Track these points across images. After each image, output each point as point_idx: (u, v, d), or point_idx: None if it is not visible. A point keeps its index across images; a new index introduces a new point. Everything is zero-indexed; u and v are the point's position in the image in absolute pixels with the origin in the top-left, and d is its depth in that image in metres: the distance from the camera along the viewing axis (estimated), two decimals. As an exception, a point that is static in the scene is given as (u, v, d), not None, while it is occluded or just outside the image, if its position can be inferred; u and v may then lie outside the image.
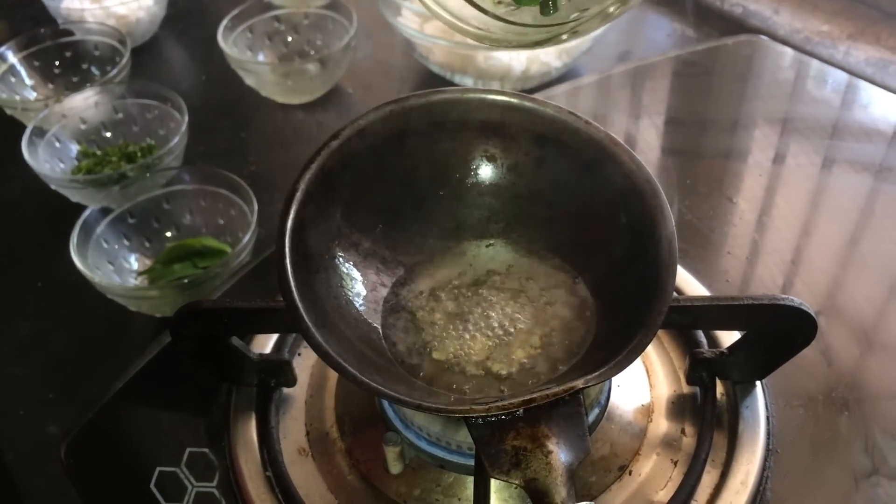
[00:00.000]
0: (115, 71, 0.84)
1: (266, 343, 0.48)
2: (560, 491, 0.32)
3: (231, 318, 0.42)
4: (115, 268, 0.69)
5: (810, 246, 0.57)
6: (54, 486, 0.59)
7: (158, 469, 0.43)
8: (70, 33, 0.91)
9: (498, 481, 0.38)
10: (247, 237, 0.66)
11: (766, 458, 0.42)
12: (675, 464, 0.42)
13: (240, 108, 0.89)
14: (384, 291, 0.43)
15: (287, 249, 0.38)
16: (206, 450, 0.44)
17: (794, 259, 0.55)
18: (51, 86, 0.89)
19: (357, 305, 0.41)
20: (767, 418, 0.43)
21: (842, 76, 0.74)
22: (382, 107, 0.43)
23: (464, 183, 0.45)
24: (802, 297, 0.40)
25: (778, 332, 0.40)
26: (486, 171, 0.45)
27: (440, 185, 0.45)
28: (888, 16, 0.92)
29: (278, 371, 0.45)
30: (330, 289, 0.40)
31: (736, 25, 0.94)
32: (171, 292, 0.65)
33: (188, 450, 0.44)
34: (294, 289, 0.36)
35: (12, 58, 0.87)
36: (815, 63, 0.75)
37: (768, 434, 0.43)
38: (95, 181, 0.72)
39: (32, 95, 0.87)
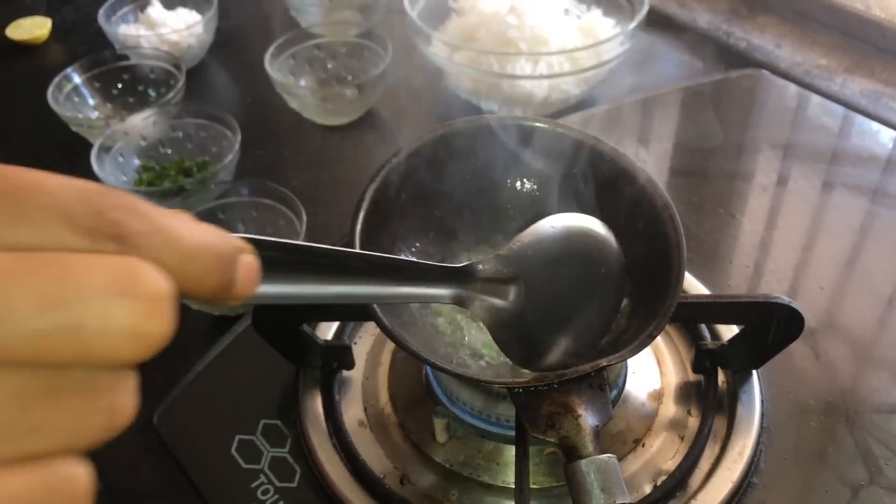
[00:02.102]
0: (171, 94, 0.92)
1: (328, 331, 0.55)
2: (588, 446, 0.39)
3: (303, 307, 0.50)
4: (177, 271, 0.76)
5: (809, 261, 0.64)
6: (128, 459, 0.66)
7: (238, 437, 0.51)
8: (127, 58, 0.99)
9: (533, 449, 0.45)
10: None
11: (759, 435, 0.49)
12: (682, 439, 0.49)
13: (282, 129, 0.96)
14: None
15: (357, 248, 0.45)
16: (278, 422, 0.51)
17: (794, 271, 0.62)
18: (110, 105, 0.97)
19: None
20: (762, 402, 0.50)
21: (838, 109, 0.81)
22: (435, 129, 0.50)
23: (503, 196, 0.52)
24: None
25: (771, 326, 0.48)
26: (522, 187, 0.52)
27: (483, 198, 0.52)
28: (881, 51, 0.99)
29: (340, 355, 0.53)
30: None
31: (740, 58, 1.02)
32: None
33: (262, 421, 0.51)
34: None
35: (77, 79, 0.95)
36: (813, 97, 0.83)
37: (762, 415, 0.50)
38: (158, 192, 0.80)
39: (94, 114, 0.95)
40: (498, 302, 0.39)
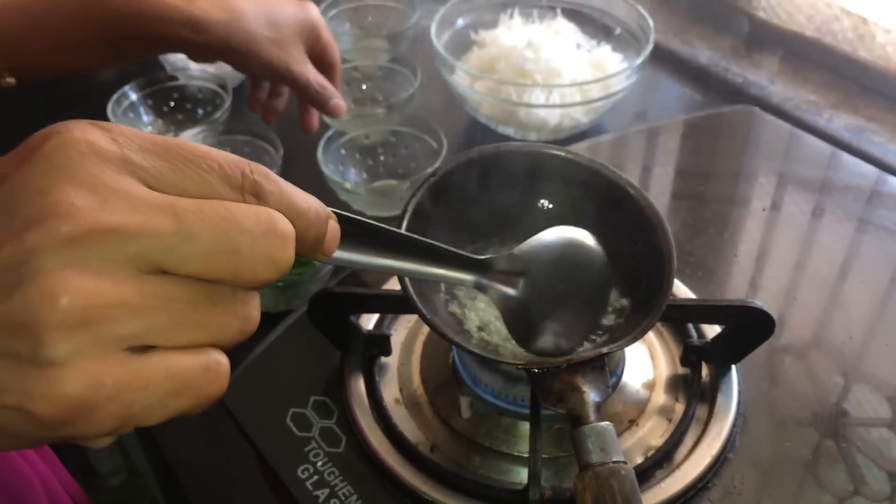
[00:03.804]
0: (219, 112, 1.01)
1: (370, 322, 0.64)
2: (590, 416, 0.47)
3: (351, 301, 0.59)
4: (225, 271, 0.85)
5: (796, 280, 0.72)
6: (180, 435, 0.75)
7: (291, 410, 0.59)
8: (177, 78, 1.09)
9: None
10: (333, 250, 0.83)
11: (736, 419, 0.57)
12: (670, 421, 0.58)
13: (317, 147, 1.05)
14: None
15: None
16: (326, 398, 0.60)
17: (780, 288, 0.70)
18: (161, 122, 1.07)
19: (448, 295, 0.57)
20: (739, 392, 0.59)
21: (825, 146, 0.88)
22: (466, 153, 0.59)
23: (523, 213, 0.61)
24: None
25: (746, 326, 0.56)
26: (539, 205, 0.61)
27: (506, 214, 0.61)
28: (866, 89, 1.08)
29: (379, 343, 0.62)
30: (429, 283, 0.57)
31: (737, 92, 1.11)
32: (270, 291, 0.81)
33: (312, 397, 0.60)
34: (408, 281, 0.52)
35: (133, 96, 1.04)
36: (801, 133, 0.91)
37: (739, 402, 0.58)
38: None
39: (148, 129, 1.04)
40: (508, 290, 0.48)
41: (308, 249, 0.32)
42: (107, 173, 0.28)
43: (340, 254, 0.35)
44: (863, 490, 0.55)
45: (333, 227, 0.34)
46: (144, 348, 0.28)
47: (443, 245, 0.43)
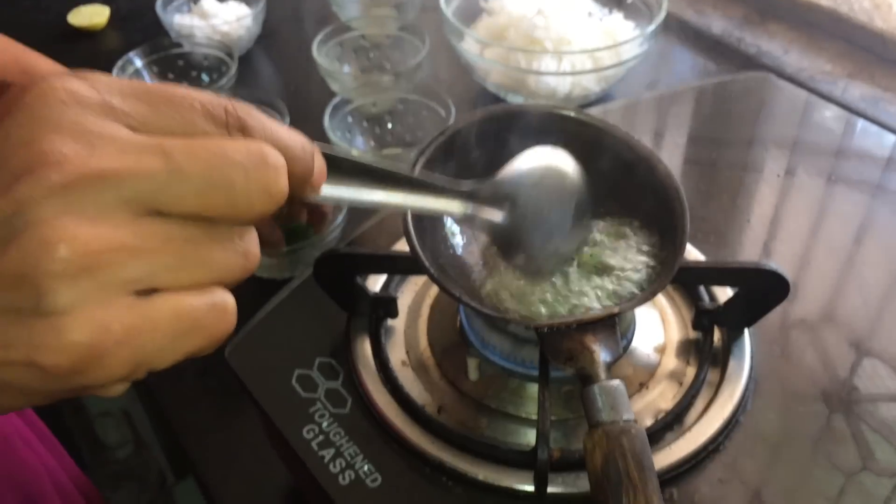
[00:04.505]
0: (224, 80, 1.00)
1: (376, 284, 0.63)
2: (601, 374, 0.46)
3: (358, 262, 0.58)
4: (231, 237, 0.84)
5: (808, 246, 0.70)
6: (186, 401, 0.75)
7: (297, 371, 0.59)
8: (182, 45, 1.08)
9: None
10: (339, 218, 0.82)
11: (748, 382, 0.56)
12: (681, 384, 0.57)
13: (323, 114, 1.04)
14: (474, 244, 0.58)
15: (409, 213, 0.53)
16: (331, 360, 0.59)
17: (793, 255, 0.69)
18: (166, 88, 1.06)
19: (458, 253, 0.56)
20: (751, 356, 0.58)
21: (841, 112, 0.87)
22: (475, 112, 0.58)
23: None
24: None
25: (760, 289, 0.55)
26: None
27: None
28: (882, 59, 1.06)
29: (386, 305, 0.61)
30: (436, 241, 0.56)
31: (751, 62, 1.09)
32: (275, 258, 0.81)
33: (318, 359, 0.59)
34: (415, 239, 0.51)
35: (138, 63, 1.03)
36: (817, 100, 0.89)
37: (751, 367, 0.57)
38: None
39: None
40: (495, 218, 0.47)
41: (297, 185, 0.31)
42: (90, 119, 0.27)
43: (329, 189, 0.34)
44: (870, 465, 0.54)
45: (320, 161, 0.33)
46: (150, 292, 0.28)
47: (426, 178, 0.42)
